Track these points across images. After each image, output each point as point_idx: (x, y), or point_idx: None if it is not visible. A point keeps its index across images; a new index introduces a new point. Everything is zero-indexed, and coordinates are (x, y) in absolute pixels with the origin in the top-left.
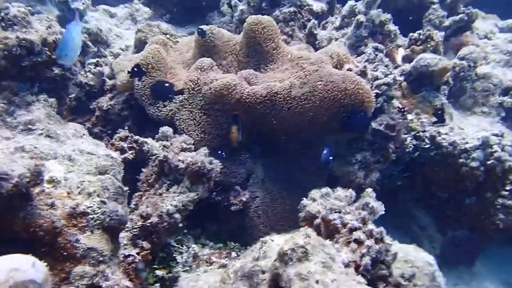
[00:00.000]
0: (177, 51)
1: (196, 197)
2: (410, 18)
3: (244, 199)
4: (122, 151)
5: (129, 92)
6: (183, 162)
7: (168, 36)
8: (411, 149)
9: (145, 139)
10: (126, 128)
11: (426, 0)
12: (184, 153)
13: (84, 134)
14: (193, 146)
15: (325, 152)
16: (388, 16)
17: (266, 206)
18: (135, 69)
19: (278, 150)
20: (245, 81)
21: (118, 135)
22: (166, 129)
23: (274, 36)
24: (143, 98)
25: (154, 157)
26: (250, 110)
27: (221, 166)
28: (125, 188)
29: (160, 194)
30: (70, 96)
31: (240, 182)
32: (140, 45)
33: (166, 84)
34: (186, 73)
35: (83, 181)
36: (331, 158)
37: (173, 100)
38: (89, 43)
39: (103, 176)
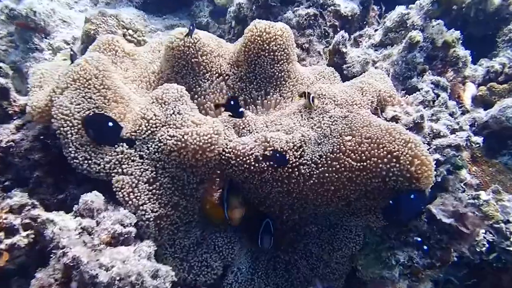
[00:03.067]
0: (135, 60)
1: None
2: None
3: None
4: (10, 231)
5: (44, 124)
6: (106, 271)
7: (130, 31)
8: (484, 248)
9: (51, 215)
10: (33, 179)
11: (505, 11)
12: (113, 249)
13: None
14: (134, 230)
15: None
16: (456, 34)
17: None
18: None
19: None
20: (232, 128)
21: (8, 201)
22: (92, 198)
23: (287, 54)
24: (68, 134)
25: (59, 252)
26: (235, 176)
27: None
28: None
29: None
30: None
31: (212, 282)
32: (88, 41)
33: (110, 123)
34: (143, 103)
35: None
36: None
37: (116, 147)
38: None
39: None
